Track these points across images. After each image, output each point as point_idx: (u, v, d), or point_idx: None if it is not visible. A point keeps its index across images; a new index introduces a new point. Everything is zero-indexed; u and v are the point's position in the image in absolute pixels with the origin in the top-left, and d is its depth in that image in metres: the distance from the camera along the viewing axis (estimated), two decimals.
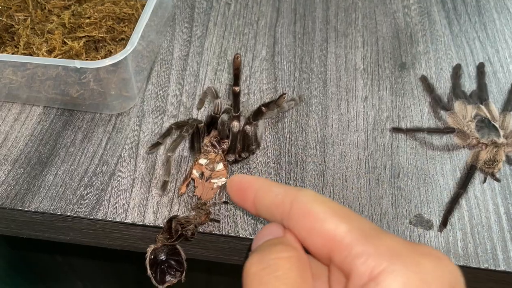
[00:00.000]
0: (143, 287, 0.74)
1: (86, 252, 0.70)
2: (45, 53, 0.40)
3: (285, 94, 0.33)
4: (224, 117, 0.37)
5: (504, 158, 0.37)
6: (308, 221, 0.19)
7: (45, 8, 0.44)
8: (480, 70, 0.44)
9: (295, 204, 0.19)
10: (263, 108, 0.35)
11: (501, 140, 0.38)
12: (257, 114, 0.35)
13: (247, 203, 0.22)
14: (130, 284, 0.78)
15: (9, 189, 0.36)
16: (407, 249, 0.17)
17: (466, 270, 0.33)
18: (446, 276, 0.16)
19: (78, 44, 0.40)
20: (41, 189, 0.36)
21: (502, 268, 0.33)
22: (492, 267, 0.33)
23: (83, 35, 0.41)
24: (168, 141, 0.37)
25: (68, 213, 0.35)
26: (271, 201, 0.20)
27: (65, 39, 0.41)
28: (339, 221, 0.18)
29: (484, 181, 0.37)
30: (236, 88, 0.34)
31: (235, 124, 0.35)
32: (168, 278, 0.34)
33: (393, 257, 0.17)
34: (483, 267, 0.33)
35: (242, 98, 0.42)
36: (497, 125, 0.39)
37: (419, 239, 0.34)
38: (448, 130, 0.39)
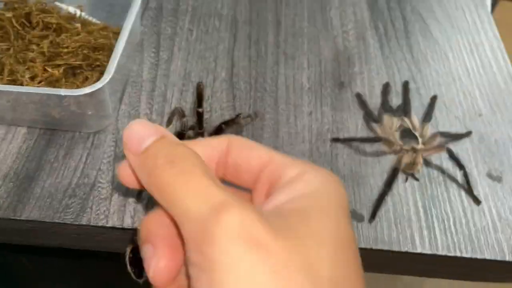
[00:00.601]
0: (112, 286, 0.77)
1: (58, 263, 0.72)
2: (28, 80, 0.45)
3: (240, 114, 0.40)
4: (190, 133, 0.43)
5: (421, 161, 0.46)
6: (246, 151, 0.23)
7: (25, 38, 0.49)
8: (405, 87, 0.52)
9: (233, 142, 0.23)
10: (223, 125, 0.41)
11: (420, 146, 0.46)
12: (219, 131, 0.42)
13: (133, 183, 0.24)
14: (99, 283, 0.80)
15: (1, 201, 0.41)
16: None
17: (390, 254, 0.41)
18: (340, 182, 0.23)
19: (58, 71, 0.46)
20: (30, 200, 0.41)
21: (418, 250, 0.41)
22: (411, 250, 0.41)
23: (62, 62, 0.47)
24: None
25: (56, 220, 0.40)
26: (206, 153, 0.23)
27: (45, 67, 0.46)
28: (269, 150, 0.23)
29: (406, 180, 0.45)
30: (200, 110, 0.41)
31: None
32: (145, 273, 0.40)
33: (313, 168, 0.22)
34: (403, 250, 0.41)
35: (205, 115, 0.48)
36: (417, 134, 0.47)
37: (354, 229, 0.41)
38: (377, 139, 0.47)
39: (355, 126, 0.49)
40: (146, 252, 0.22)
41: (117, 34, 0.50)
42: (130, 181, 0.23)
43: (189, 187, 0.19)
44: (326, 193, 0.21)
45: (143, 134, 0.22)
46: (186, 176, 0.20)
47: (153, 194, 0.21)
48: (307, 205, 0.20)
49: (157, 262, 0.22)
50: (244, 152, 0.23)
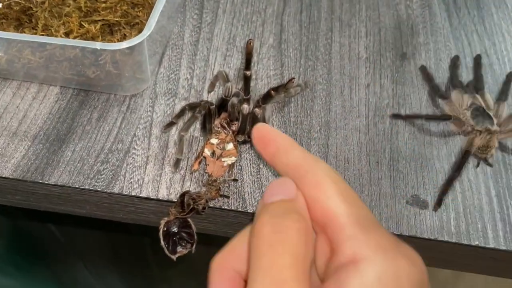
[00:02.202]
0: (141, 273, 0.76)
1: (88, 233, 0.71)
2: (63, 35, 0.42)
3: (293, 78, 0.35)
4: (234, 100, 0.39)
5: (497, 144, 0.40)
6: (316, 193, 0.21)
7: None
8: (477, 61, 0.46)
9: (309, 174, 0.21)
10: (272, 92, 0.37)
11: (495, 127, 0.40)
12: (266, 97, 0.37)
13: (266, 154, 0.23)
14: (129, 268, 0.80)
15: (29, 163, 0.38)
16: (391, 246, 0.19)
17: (457, 247, 0.35)
18: (416, 275, 0.19)
19: (95, 28, 0.42)
20: (60, 164, 0.38)
21: (491, 245, 0.35)
22: (482, 245, 0.35)
23: (99, 18, 0.43)
24: (181, 121, 0.39)
25: (86, 187, 0.37)
26: (289, 162, 0.22)
27: (82, 22, 0.43)
28: (342, 202, 0.20)
29: (477, 165, 0.39)
30: (248, 72, 0.36)
31: (245, 106, 0.37)
32: (179, 249, 0.36)
33: (377, 250, 0.19)
34: (473, 244, 0.35)
35: (251, 82, 0.44)
36: (491, 114, 0.41)
37: (415, 217, 0.36)
38: (445, 117, 0.41)
39: (419, 102, 0.43)
40: None
41: None
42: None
43: (272, 277, 0.19)
44: None
45: (277, 189, 0.22)
46: (275, 264, 0.19)
47: (250, 238, 0.21)
48: None
49: None
50: (313, 195, 0.21)
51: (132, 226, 0.65)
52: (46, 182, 0.37)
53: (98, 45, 0.37)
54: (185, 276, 0.75)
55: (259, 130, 0.24)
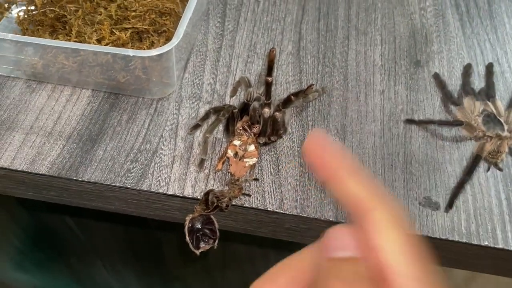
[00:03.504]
0: (157, 272, 0.77)
1: (107, 232, 0.74)
2: (95, 42, 0.45)
3: (313, 85, 0.37)
4: (256, 104, 0.41)
5: (507, 150, 0.41)
6: (374, 242, 0.18)
7: (93, 0, 0.48)
8: (489, 69, 0.48)
9: (366, 220, 0.19)
10: (292, 97, 0.39)
11: (505, 133, 0.42)
12: (286, 102, 0.39)
13: (319, 173, 0.20)
14: (146, 267, 0.82)
15: (64, 161, 0.40)
16: None
17: (467, 247, 0.37)
18: None
19: (125, 35, 0.45)
20: (93, 162, 0.40)
21: (500, 246, 0.37)
22: (492, 245, 0.37)
23: (129, 26, 0.46)
24: (206, 124, 0.42)
25: (117, 184, 0.39)
26: (346, 196, 0.19)
27: (113, 30, 0.45)
28: (406, 262, 0.18)
29: (488, 169, 0.41)
30: (269, 78, 0.38)
31: (266, 110, 0.40)
32: (202, 244, 0.39)
33: None
34: (483, 244, 0.37)
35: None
36: (502, 120, 0.43)
37: (427, 218, 0.38)
38: (457, 123, 0.43)
39: (432, 108, 0.45)
40: None
41: (183, 0, 0.49)
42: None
43: None
44: None
45: (346, 240, 0.19)
46: None
47: None
48: None
49: None
50: (371, 242, 0.19)
51: (150, 225, 0.67)
52: (79, 179, 0.39)
53: (131, 52, 0.39)
54: (200, 274, 0.77)
55: (312, 144, 0.20)
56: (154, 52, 0.39)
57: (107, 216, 0.68)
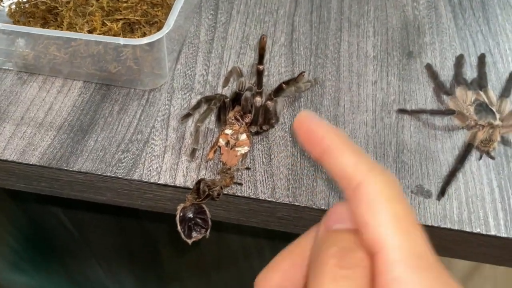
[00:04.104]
0: (153, 271, 0.77)
1: (102, 230, 0.73)
2: (86, 33, 0.45)
3: (304, 72, 0.37)
4: (247, 94, 0.41)
5: (499, 138, 0.41)
6: (365, 215, 0.18)
7: None
8: (481, 60, 0.48)
9: (360, 190, 0.18)
10: (284, 85, 0.39)
11: (497, 122, 0.42)
12: (278, 90, 0.39)
13: (312, 151, 0.20)
14: (141, 266, 0.81)
15: (55, 152, 0.40)
16: None
17: (460, 234, 0.37)
18: None
19: (117, 26, 0.45)
20: (83, 152, 0.40)
21: (492, 233, 0.37)
22: (484, 232, 0.37)
23: (120, 17, 0.46)
24: (197, 113, 0.42)
25: (108, 174, 0.39)
26: (338, 169, 0.19)
27: (104, 21, 0.45)
28: (396, 233, 0.17)
29: (480, 158, 0.41)
30: (261, 67, 0.38)
31: (258, 99, 0.40)
32: (194, 234, 0.38)
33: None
34: (475, 232, 0.37)
35: (263, 78, 0.46)
36: (494, 109, 0.43)
37: (419, 206, 0.38)
38: (449, 112, 0.43)
39: (424, 98, 0.45)
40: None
41: None
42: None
43: None
44: None
45: (344, 215, 0.19)
46: None
47: (312, 262, 0.19)
48: None
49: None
50: (363, 216, 0.18)
51: (146, 223, 0.67)
52: (70, 169, 0.39)
53: (121, 40, 0.39)
54: (197, 275, 0.76)
55: (303, 122, 0.20)
56: (144, 40, 0.39)
57: (101, 212, 0.67)
